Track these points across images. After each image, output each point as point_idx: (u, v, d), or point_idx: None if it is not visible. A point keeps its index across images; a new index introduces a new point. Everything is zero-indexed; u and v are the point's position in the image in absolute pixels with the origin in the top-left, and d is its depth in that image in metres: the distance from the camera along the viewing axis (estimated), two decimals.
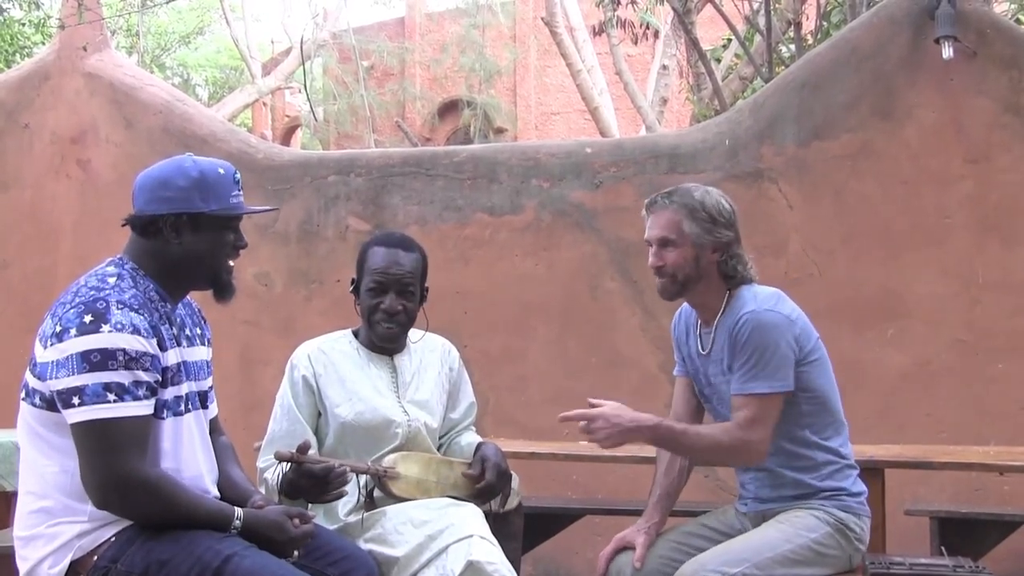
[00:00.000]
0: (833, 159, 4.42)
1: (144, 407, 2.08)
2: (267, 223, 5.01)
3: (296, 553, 2.20)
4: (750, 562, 2.41)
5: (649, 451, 3.26)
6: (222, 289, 2.29)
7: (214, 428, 2.42)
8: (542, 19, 11.73)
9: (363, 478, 2.60)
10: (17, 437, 2.22)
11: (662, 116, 10.90)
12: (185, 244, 2.21)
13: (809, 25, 8.47)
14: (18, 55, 13.47)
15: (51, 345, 2.06)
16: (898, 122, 4.36)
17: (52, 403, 2.07)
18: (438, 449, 2.81)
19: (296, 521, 2.20)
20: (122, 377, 2.04)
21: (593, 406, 2.51)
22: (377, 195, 4.99)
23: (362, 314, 2.72)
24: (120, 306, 2.08)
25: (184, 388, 2.24)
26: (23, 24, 14.06)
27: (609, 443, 2.44)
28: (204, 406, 2.33)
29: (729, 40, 10.17)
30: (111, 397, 2.03)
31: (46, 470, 2.12)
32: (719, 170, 4.49)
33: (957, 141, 4.30)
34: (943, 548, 3.24)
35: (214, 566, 2.04)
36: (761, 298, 2.54)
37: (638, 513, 2.76)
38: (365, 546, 2.49)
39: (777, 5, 8.27)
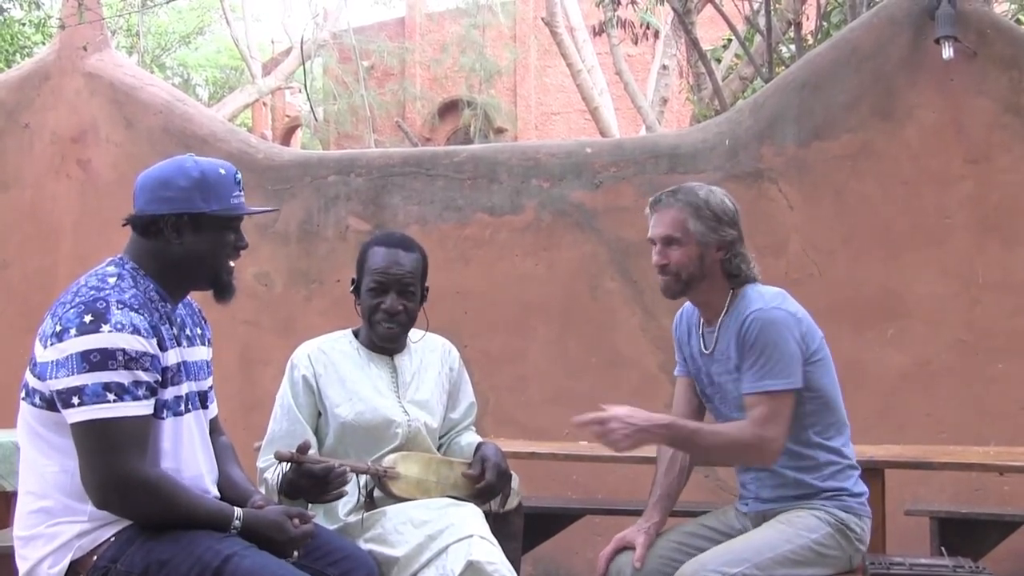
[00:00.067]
0: (833, 159, 4.42)
1: (144, 407, 2.08)
2: (267, 223, 5.01)
3: (296, 553, 2.20)
4: (750, 562, 2.41)
5: (649, 451, 3.26)
6: (222, 289, 2.29)
7: (214, 428, 2.42)
8: (542, 19, 11.74)
9: (363, 478, 2.60)
10: (17, 437, 2.22)
11: (662, 116, 10.90)
12: (186, 244, 2.21)
13: (809, 25, 8.47)
14: (18, 55, 13.47)
15: (51, 345, 2.06)
16: (898, 122, 4.36)
17: (52, 403, 2.07)
18: (438, 449, 2.81)
19: (296, 521, 2.20)
20: (122, 377, 2.04)
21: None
22: (377, 195, 4.99)
23: (363, 314, 2.72)
24: (120, 306, 2.08)
25: (184, 388, 2.23)
26: (23, 24, 14.06)
27: (625, 443, 2.40)
28: (204, 406, 2.33)
29: (729, 40, 10.17)
30: (111, 397, 2.03)
31: (46, 470, 2.12)
32: (719, 170, 4.49)
33: (957, 141, 4.30)
34: (943, 548, 3.24)
35: (214, 566, 2.04)
36: (767, 296, 2.55)
37: (638, 513, 2.76)
38: (365, 546, 2.49)
39: (777, 5, 8.27)
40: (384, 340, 2.71)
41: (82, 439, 2.04)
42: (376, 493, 2.60)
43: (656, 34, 10.39)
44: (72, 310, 2.07)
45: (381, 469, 2.55)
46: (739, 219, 2.61)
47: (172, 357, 2.19)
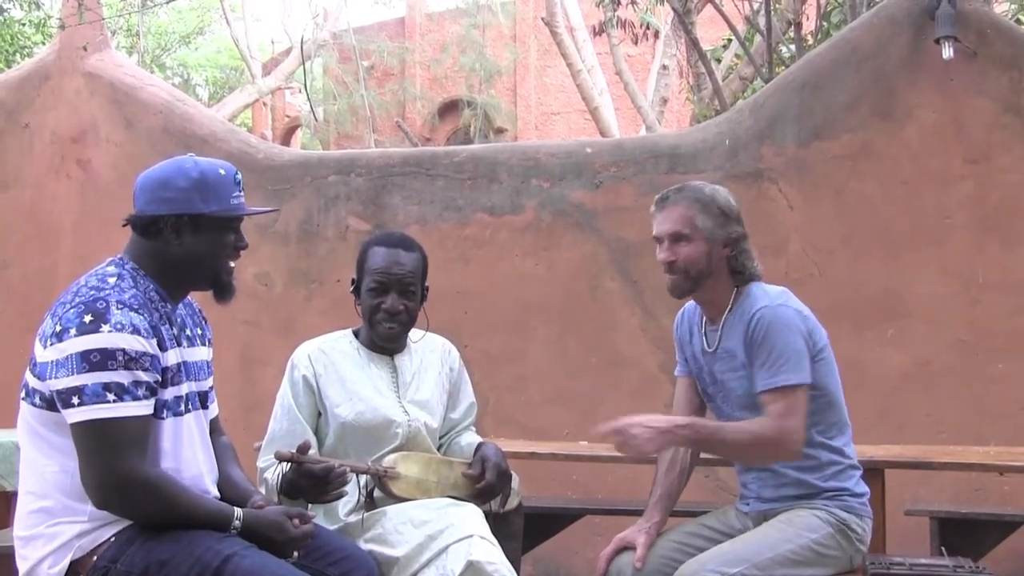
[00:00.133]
0: (833, 159, 4.42)
1: (144, 407, 2.08)
2: (267, 223, 5.01)
3: (296, 553, 2.20)
4: (750, 562, 2.41)
5: None
6: (222, 290, 2.29)
7: (214, 428, 2.42)
8: (542, 19, 11.74)
9: (363, 478, 2.60)
10: (17, 437, 2.22)
11: (662, 116, 10.90)
12: (185, 245, 2.21)
13: (809, 25, 8.47)
14: (18, 55, 13.47)
15: (51, 345, 2.06)
16: (898, 122, 4.36)
17: (52, 403, 2.07)
18: (438, 449, 2.80)
19: (296, 521, 2.20)
20: (122, 377, 2.04)
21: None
22: (377, 195, 4.99)
23: (363, 314, 2.72)
24: (120, 306, 2.08)
25: (184, 388, 2.23)
26: (23, 24, 14.07)
27: (650, 446, 2.37)
28: (204, 406, 2.33)
29: (729, 40, 10.17)
30: (111, 397, 2.03)
31: (46, 470, 2.12)
32: (719, 170, 4.49)
33: (957, 141, 4.30)
34: (943, 548, 3.24)
35: (214, 566, 2.04)
36: (773, 294, 2.56)
37: (638, 513, 2.76)
38: (365, 546, 2.49)
39: (777, 5, 8.27)
40: (385, 340, 2.70)
41: (82, 439, 2.04)
42: (376, 493, 2.60)
43: (656, 34, 10.39)
44: (72, 310, 2.07)
45: (381, 469, 2.55)
46: (742, 217, 2.62)
47: (172, 357, 2.19)
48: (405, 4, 21.59)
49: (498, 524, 2.58)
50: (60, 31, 5.85)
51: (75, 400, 2.02)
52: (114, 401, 2.03)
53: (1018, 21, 7.79)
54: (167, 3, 15.78)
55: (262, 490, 2.50)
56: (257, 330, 5.05)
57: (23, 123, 5.59)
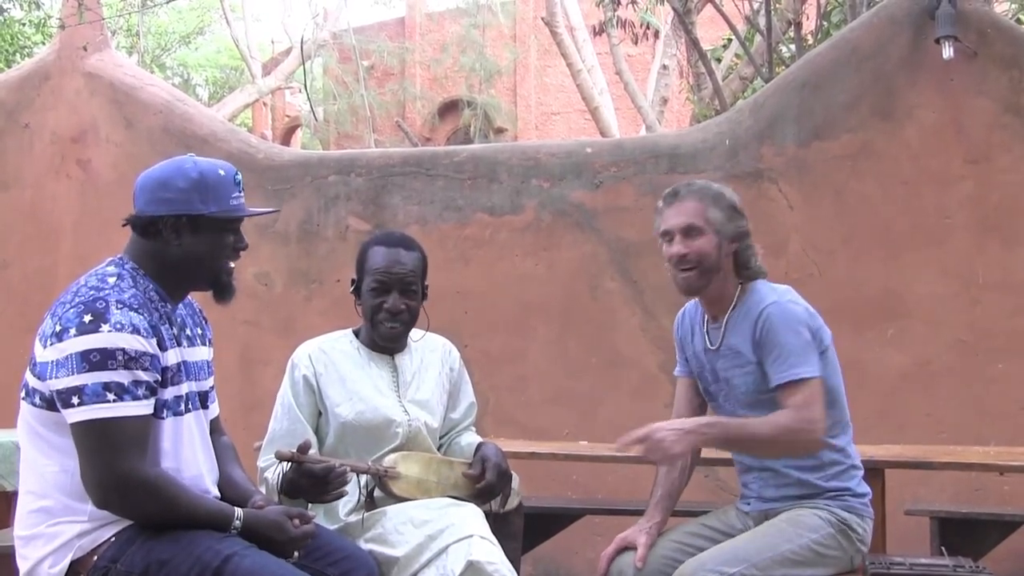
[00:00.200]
0: (833, 159, 4.42)
1: (144, 407, 2.08)
2: (267, 223, 5.01)
3: (296, 553, 2.20)
4: (749, 562, 2.40)
5: None
6: (222, 290, 2.29)
7: (215, 428, 2.42)
8: (542, 19, 11.74)
9: (363, 478, 2.60)
10: (17, 437, 2.22)
11: (662, 116, 10.90)
12: (184, 245, 2.21)
13: (809, 25, 8.47)
14: (18, 55, 13.48)
15: (51, 345, 2.06)
16: (898, 122, 4.36)
17: (52, 403, 2.07)
18: (438, 449, 2.80)
19: (296, 521, 2.20)
20: (121, 377, 2.04)
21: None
22: (377, 195, 4.99)
23: (365, 314, 2.71)
24: (120, 306, 2.08)
25: (184, 388, 2.23)
26: (23, 24, 14.07)
27: (678, 448, 2.34)
28: (204, 406, 2.33)
29: (729, 40, 10.17)
30: (111, 397, 2.03)
31: (46, 470, 2.12)
32: (719, 170, 4.48)
33: (957, 141, 4.30)
34: (943, 548, 3.24)
35: (214, 566, 2.04)
36: (780, 291, 2.58)
37: (638, 513, 2.76)
38: (365, 546, 2.49)
39: (777, 5, 8.27)
40: (387, 340, 2.71)
41: (82, 439, 2.04)
42: (376, 493, 2.60)
43: (656, 34, 10.39)
44: (72, 310, 2.07)
45: (382, 469, 2.55)
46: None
47: (172, 357, 2.19)
48: (405, 4, 21.59)
49: (498, 524, 2.58)
50: (60, 31, 5.85)
51: (75, 400, 2.02)
52: (114, 401, 2.03)
53: (1018, 21, 7.79)
54: (167, 3, 15.78)
55: (262, 489, 2.50)
56: (257, 330, 5.05)
57: (23, 123, 5.59)
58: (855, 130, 4.40)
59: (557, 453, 3.66)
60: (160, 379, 2.14)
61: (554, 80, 19.39)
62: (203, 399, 2.33)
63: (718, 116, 5.59)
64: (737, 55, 10.01)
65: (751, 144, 4.53)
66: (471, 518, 2.47)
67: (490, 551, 2.38)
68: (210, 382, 2.38)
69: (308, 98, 18.15)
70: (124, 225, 2.25)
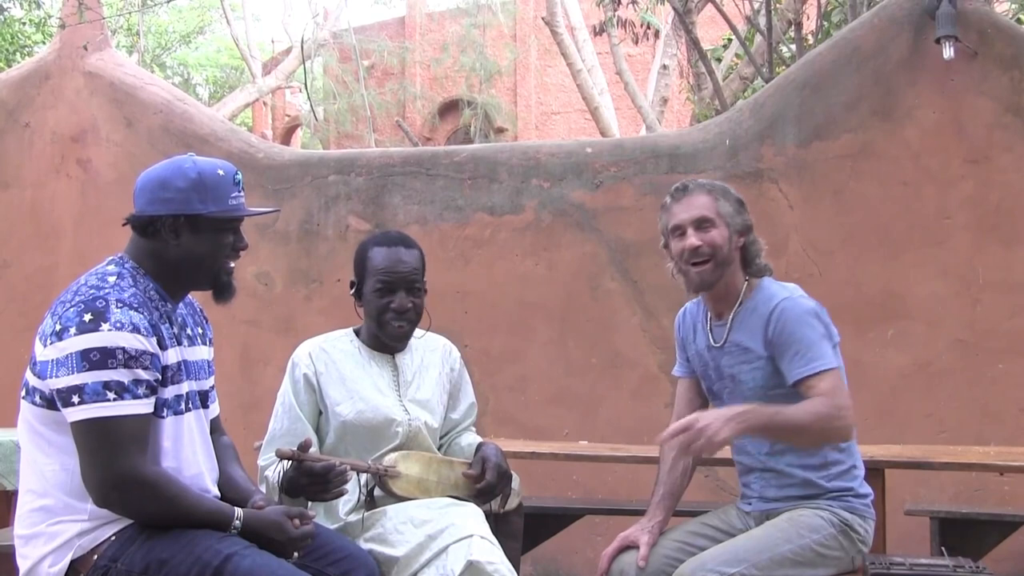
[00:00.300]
0: (833, 159, 4.42)
1: (144, 405, 2.08)
2: (267, 223, 5.01)
3: (296, 553, 2.20)
4: (749, 562, 2.40)
5: (650, 451, 3.26)
6: (222, 290, 2.28)
7: (215, 428, 2.42)
8: (542, 19, 11.74)
9: (364, 477, 2.60)
10: (18, 436, 2.22)
11: (662, 116, 10.90)
12: (184, 245, 2.20)
13: (810, 25, 8.47)
14: (19, 54, 13.48)
15: (51, 344, 2.06)
16: (898, 122, 4.36)
17: (52, 401, 2.07)
18: (438, 450, 2.80)
19: (296, 522, 2.19)
20: (122, 375, 2.04)
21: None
22: (377, 195, 4.99)
23: (370, 315, 2.70)
24: (120, 304, 2.08)
25: (185, 387, 2.23)
26: (24, 23, 14.08)
27: (724, 432, 2.28)
28: (205, 405, 2.33)
29: (730, 40, 10.17)
30: (111, 396, 2.03)
31: (46, 468, 2.12)
32: (719, 170, 4.49)
33: (958, 141, 4.30)
34: (943, 548, 3.24)
35: (214, 565, 2.04)
36: (790, 288, 2.59)
37: (638, 513, 2.76)
38: (365, 546, 2.49)
39: (778, 5, 8.27)
40: (396, 339, 2.71)
41: (82, 438, 2.04)
42: (377, 492, 2.60)
43: (656, 34, 10.39)
44: (72, 309, 2.07)
45: (382, 468, 2.55)
46: None
47: (172, 356, 2.19)
48: (405, 4, 21.59)
49: (498, 524, 2.58)
50: (60, 30, 5.85)
51: (75, 399, 2.02)
52: (114, 400, 2.03)
53: (1018, 21, 7.79)
54: (167, 2, 15.79)
55: (263, 489, 2.50)
56: (257, 330, 5.06)
57: (23, 122, 5.59)
58: (855, 130, 4.40)
59: (557, 453, 3.66)
60: (160, 378, 2.14)
61: (554, 80, 19.39)
62: (203, 398, 2.32)
63: (718, 116, 5.59)
64: (737, 55, 10.01)
65: (751, 144, 4.53)
66: (471, 518, 2.47)
67: (490, 551, 2.38)
68: (210, 381, 2.38)
69: (308, 98, 18.15)
70: (124, 225, 2.25)
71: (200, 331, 2.37)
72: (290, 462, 2.40)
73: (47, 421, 2.10)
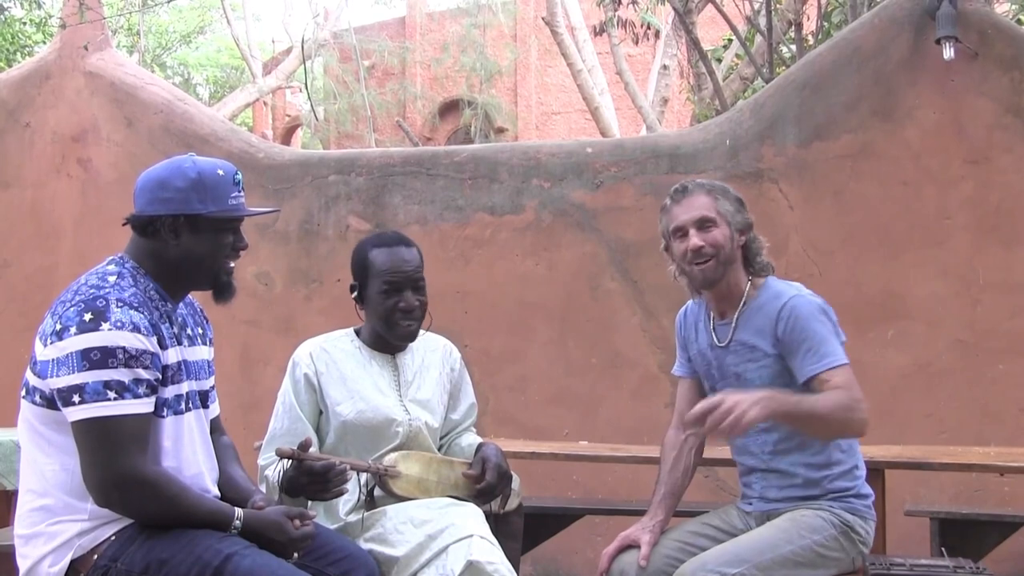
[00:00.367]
0: (834, 159, 4.42)
1: (144, 405, 2.08)
2: (267, 222, 5.01)
3: (296, 554, 2.20)
4: (750, 563, 2.40)
5: (650, 451, 3.27)
6: (222, 290, 2.28)
7: (215, 428, 2.42)
8: (543, 19, 11.74)
9: (364, 476, 2.60)
10: (18, 435, 2.22)
11: (663, 116, 10.90)
12: (183, 245, 2.20)
13: (810, 25, 8.47)
14: (19, 54, 13.48)
15: (51, 343, 2.06)
16: (899, 123, 4.36)
17: (52, 401, 2.08)
18: (439, 450, 2.80)
19: (296, 522, 2.19)
20: (122, 375, 2.04)
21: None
22: (378, 195, 4.99)
23: (378, 316, 2.69)
24: (120, 304, 2.08)
25: (185, 387, 2.23)
26: (24, 23, 14.08)
27: (756, 411, 2.24)
28: (205, 405, 2.33)
29: (730, 40, 10.17)
30: (111, 395, 2.03)
31: (46, 468, 2.12)
32: (720, 170, 4.49)
33: (958, 142, 4.30)
34: (943, 549, 3.24)
35: (214, 565, 2.04)
36: (797, 286, 2.60)
37: (638, 513, 2.76)
38: (365, 545, 2.49)
39: (778, 5, 8.28)
40: (405, 338, 2.71)
41: (83, 437, 2.04)
42: (377, 492, 2.60)
43: (657, 34, 10.39)
44: (72, 308, 2.07)
45: (382, 468, 2.55)
46: None
47: (172, 356, 2.19)
48: (405, 4, 21.59)
49: (498, 524, 2.58)
50: (61, 30, 5.85)
51: (76, 398, 2.02)
52: (115, 399, 2.03)
53: (1019, 21, 7.79)
54: (168, 2, 15.78)
55: (263, 488, 2.50)
56: (257, 330, 5.06)
57: (24, 122, 5.59)
58: (855, 130, 4.40)
59: (557, 453, 3.66)
60: (160, 377, 2.14)
61: (554, 80, 19.38)
62: (203, 398, 2.33)
63: (719, 116, 5.59)
64: (738, 55, 10.01)
65: (752, 144, 4.54)
66: (471, 518, 2.47)
67: (490, 551, 2.38)
68: (211, 381, 2.38)
69: (308, 98, 18.15)
70: (124, 224, 2.25)
71: (200, 331, 2.37)
72: (290, 461, 2.40)
73: (47, 421, 2.10)
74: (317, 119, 20.10)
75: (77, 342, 2.03)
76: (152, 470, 2.09)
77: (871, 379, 4.23)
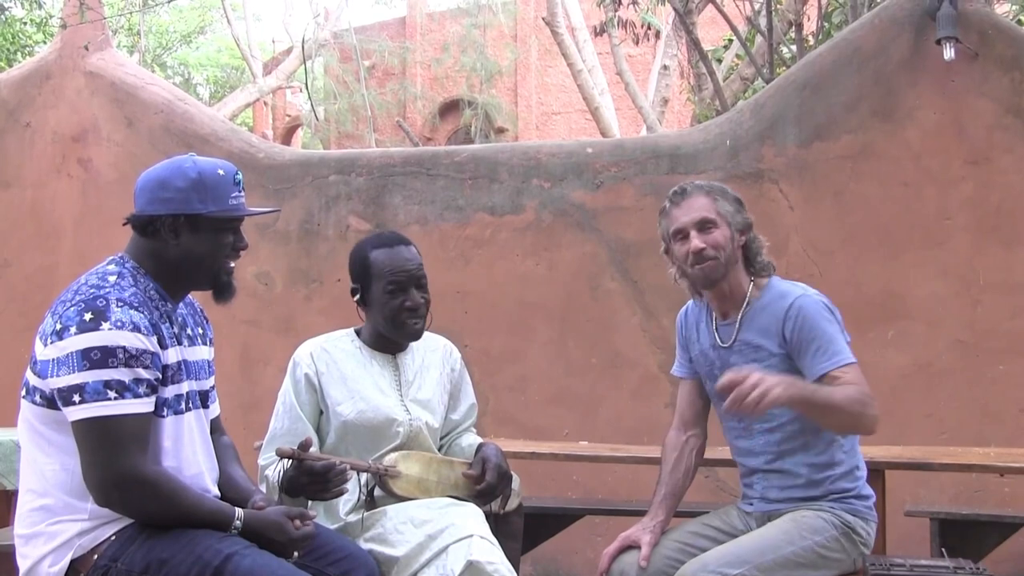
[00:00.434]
0: (834, 160, 4.42)
1: (144, 404, 2.08)
2: (268, 222, 5.01)
3: (296, 554, 2.20)
4: (751, 563, 2.40)
5: (650, 451, 3.27)
6: (222, 290, 2.28)
7: (216, 428, 2.42)
8: (543, 19, 11.74)
9: (364, 476, 2.60)
10: (18, 435, 2.22)
11: (663, 116, 10.90)
12: (183, 245, 2.21)
13: (810, 26, 8.48)
14: (20, 54, 13.48)
15: (51, 343, 2.06)
16: (899, 123, 4.36)
17: (52, 401, 2.08)
18: (439, 450, 2.80)
19: (296, 522, 2.19)
20: (122, 375, 2.04)
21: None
22: (378, 195, 4.99)
23: (384, 317, 2.68)
24: (120, 304, 2.08)
25: (185, 387, 2.23)
26: (25, 23, 14.08)
27: (776, 392, 2.23)
28: (205, 405, 2.33)
29: (730, 40, 10.17)
30: (111, 395, 2.03)
31: (46, 468, 2.12)
32: (720, 170, 4.49)
33: (958, 142, 4.30)
34: (943, 549, 3.24)
35: (214, 565, 2.04)
36: (801, 286, 2.60)
37: (638, 513, 2.76)
38: (365, 545, 2.49)
39: (778, 6, 8.28)
40: (412, 336, 2.71)
41: (83, 437, 2.04)
42: (377, 492, 2.60)
43: (657, 34, 10.39)
44: (72, 308, 2.07)
45: (382, 467, 2.55)
46: None
47: (172, 355, 2.19)
48: (406, 4, 21.59)
49: (498, 524, 2.58)
50: (61, 30, 5.85)
51: (76, 398, 2.02)
52: (115, 399, 2.03)
53: (1019, 22, 7.79)
54: (168, 2, 15.79)
55: (263, 488, 2.50)
56: (257, 330, 5.06)
57: (24, 122, 5.59)
58: (856, 131, 4.40)
59: (557, 453, 3.66)
60: (161, 377, 2.14)
61: (555, 80, 19.38)
62: (203, 398, 2.33)
63: (719, 116, 5.59)
64: (738, 55, 10.01)
65: (752, 145, 4.54)
66: (471, 518, 2.47)
67: (490, 551, 2.38)
68: (211, 381, 2.38)
69: (309, 98, 18.16)
70: (124, 224, 2.25)
71: (200, 331, 2.37)
72: (290, 461, 2.40)
73: (47, 420, 2.10)
74: (317, 119, 20.10)
75: (77, 342, 2.03)
76: (152, 470, 2.09)
77: (871, 379, 4.17)
